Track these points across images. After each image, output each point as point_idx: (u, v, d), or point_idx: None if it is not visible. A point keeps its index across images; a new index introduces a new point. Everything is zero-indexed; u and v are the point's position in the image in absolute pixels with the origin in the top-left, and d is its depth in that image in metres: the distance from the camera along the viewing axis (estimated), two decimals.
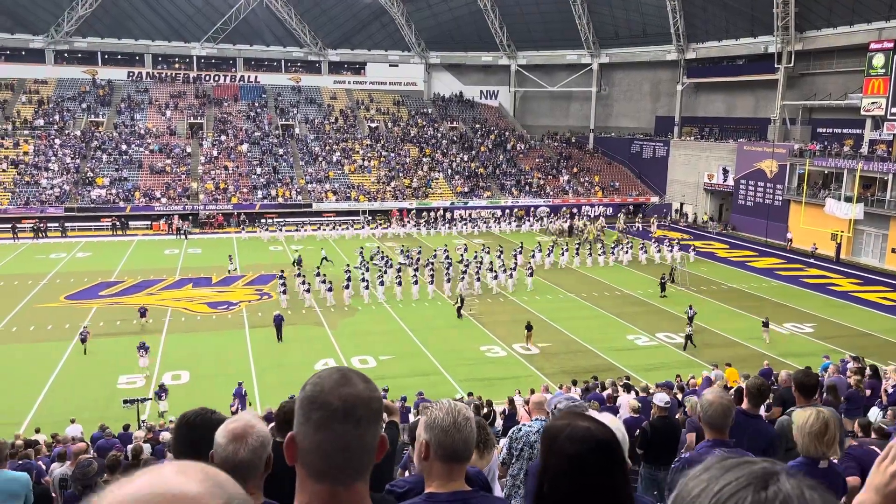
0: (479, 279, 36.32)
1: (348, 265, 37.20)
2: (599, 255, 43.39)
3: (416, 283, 35.36)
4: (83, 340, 26.12)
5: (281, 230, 51.68)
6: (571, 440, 1.75)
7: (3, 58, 66.14)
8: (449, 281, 36.29)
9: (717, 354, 26.73)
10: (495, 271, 37.48)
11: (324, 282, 34.01)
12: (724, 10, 58.97)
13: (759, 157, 54.13)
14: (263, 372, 24.55)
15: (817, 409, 3.86)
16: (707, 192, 60.79)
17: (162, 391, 21.72)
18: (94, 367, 25.13)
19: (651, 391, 15.45)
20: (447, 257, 39.77)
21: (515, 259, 39.94)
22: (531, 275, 37.33)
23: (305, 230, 51.76)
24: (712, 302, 35.40)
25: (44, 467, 11.79)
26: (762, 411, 7.06)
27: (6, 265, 40.28)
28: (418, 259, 40.22)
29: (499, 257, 40.33)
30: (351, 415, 1.60)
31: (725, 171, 58.50)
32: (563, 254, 43.85)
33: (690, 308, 29.42)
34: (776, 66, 55.42)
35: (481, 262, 39.49)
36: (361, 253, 40.94)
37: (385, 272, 36.19)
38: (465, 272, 36.18)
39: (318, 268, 37.08)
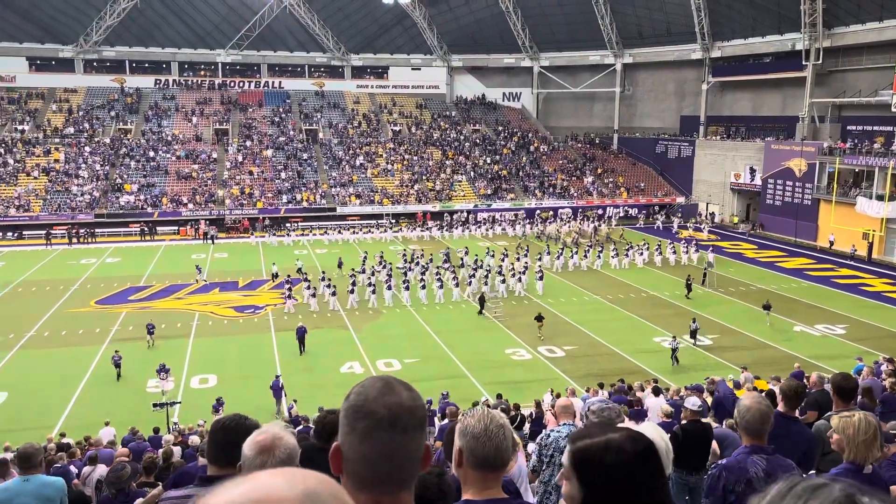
0: (486, 283, 35.91)
1: (353, 270, 37.37)
2: (612, 256, 42.55)
3: (440, 286, 35.29)
4: (117, 366, 25.34)
5: (304, 234, 52.01)
6: (608, 451, 1.69)
7: (34, 67, 67.50)
8: (458, 285, 35.95)
9: (746, 356, 26.36)
10: (503, 275, 36.78)
11: (329, 286, 34.31)
12: (750, 7, 58.23)
13: (788, 156, 53.32)
14: (289, 375, 24.67)
15: (863, 414, 3.76)
16: (734, 192, 60.05)
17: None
18: (123, 370, 25.46)
19: (681, 394, 15.26)
20: (448, 263, 39.62)
21: (520, 261, 39.57)
22: (541, 278, 36.61)
23: (330, 233, 52.06)
24: (740, 303, 34.91)
25: (75, 471, 11.95)
26: (796, 415, 6.92)
27: (39, 271, 41.04)
28: (417, 262, 39.71)
29: (502, 260, 40.08)
30: (396, 424, 1.60)
31: (753, 171, 57.74)
32: (572, 256, 43.12)
33: (694, 322, 28.77)
34: (804, 63, 54.53)
35: (490, 266, 38.92)
36: (382, 257, 40.91)
37: (405, 275, 36.25)
38: (472, 276, 36.34)
39: (324, 273, 37.20)
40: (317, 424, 4.39)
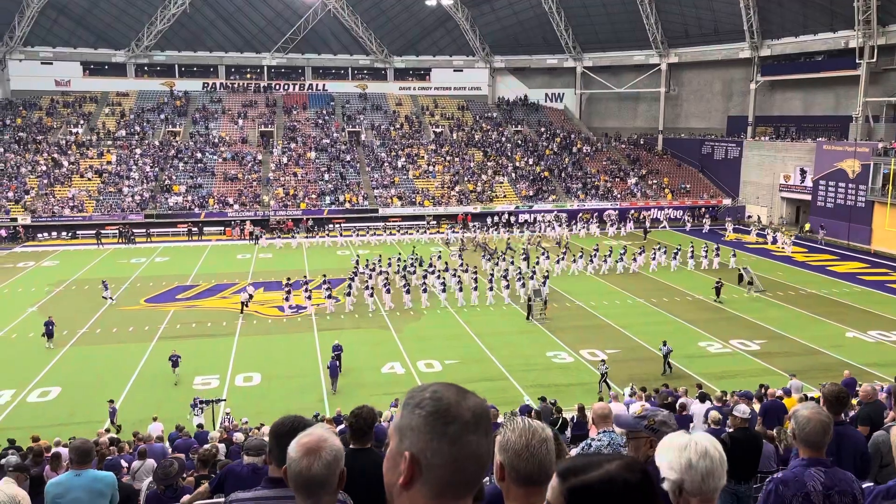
0: (507, 285, 35.38)
1: (354, 272, 37.94)
2: (604, 261, 41.21)
3: (475, 289, 35.02)
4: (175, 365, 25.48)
5: (341, 234, 52.49)
6: (613, 483, 1.60)
7: (87, 72, 69.66)
8: (461, 290, 35.45)
9: (795, 363, 25.67)
10: (508, 280, 36.04)
11: (384, 282, 34.63)
12: (801, 4, 56.74)
13: (840, 157, 51.78)
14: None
15: None
16: (783, 194, 58.56)
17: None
18: (171, 368, 26.03)
19: (727, 401, 14.91)
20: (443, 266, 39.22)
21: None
22: (544, 283, 35.29)
23: (371, 234, 52.45)
24: (790, 308, 34.01)
25: (125, 465, 12.25)
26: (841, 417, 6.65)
27: (91, 269, 42.28)
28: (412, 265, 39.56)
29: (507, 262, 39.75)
30: (480, 425, 1.64)
31: (803, 172, 56.23)
32: (575, 260, 41.74)
33: (665, 345, 25.78)
34: (857, 61, 52.90)
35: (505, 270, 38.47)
36: (419, 258, 40.89)
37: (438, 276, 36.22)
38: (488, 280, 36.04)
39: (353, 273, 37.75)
40: (351, 423, 4.39)
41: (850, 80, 54.78)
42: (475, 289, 34.81)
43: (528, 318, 31.93)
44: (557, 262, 40.99)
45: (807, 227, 53.99)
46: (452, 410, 1.62)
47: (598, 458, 1.70)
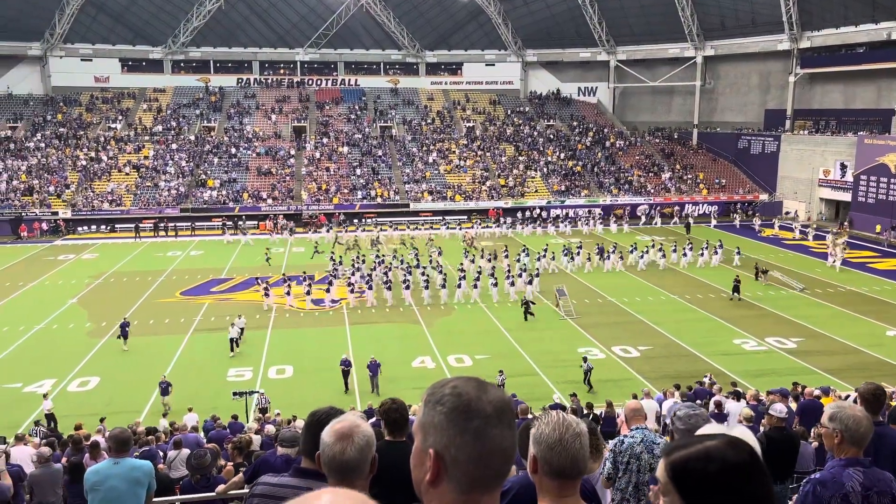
0: (514, 283, 34.75)
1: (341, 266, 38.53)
2: (586, 259, 40.66)
3: (495, 285, 34.85)
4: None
5: (376, 228, 52.75)
6: (711, 460, 1.60)
7: (125, 68, 70.97)
8: (458, 287, 34.82)
9: (834, 361, 25.16)
10: (512, 277, 35.44)
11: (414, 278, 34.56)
12: None
13: (882, 151, 50.46)
14: (363, 367, 25.06)
15: None
16: (822, 190, 57.27)
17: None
18: (205, 359, 26.48)
19: (761, 399, 14.66)
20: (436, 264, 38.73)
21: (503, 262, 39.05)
22: (530, 282, 34.77)
23: (400, 229, 52.64)
24: (828, 305, 33.30)
25: (161, 454, 12.49)
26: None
27: (129, 262, 43.15)
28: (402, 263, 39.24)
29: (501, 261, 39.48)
30: (503, 417, 1.64)
31: (843, 167, 54.92)
32: (574, 258, 41.03)
33: (585, 361, 24.19)
34: None
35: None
36: (430, 255, 40.81)
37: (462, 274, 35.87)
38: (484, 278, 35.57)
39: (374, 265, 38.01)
40: (384, 415, 4.42)
41: (892, 73, 53.34)
42: (475, 286, 34.60)
43: (526, 319, 31.08)
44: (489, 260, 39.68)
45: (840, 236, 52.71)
46: (473, 405, 1.62)
47: (703, 436, 1.72)
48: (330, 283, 34.99)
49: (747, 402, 14.18)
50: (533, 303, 31.94)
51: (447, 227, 53.48)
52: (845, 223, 52.64)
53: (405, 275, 35.63)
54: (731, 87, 70.25)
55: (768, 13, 60.83)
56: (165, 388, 22.15)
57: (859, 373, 23.07)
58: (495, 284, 35.00)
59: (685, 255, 41.56)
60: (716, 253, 41.87)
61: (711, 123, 70.95)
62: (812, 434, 9.91)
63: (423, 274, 36.34)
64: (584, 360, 24.28)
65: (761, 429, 9.43)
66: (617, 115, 75.76)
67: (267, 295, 33.46)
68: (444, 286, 34.35)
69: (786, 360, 26.24)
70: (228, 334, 27.48)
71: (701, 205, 59.80)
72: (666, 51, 70.75)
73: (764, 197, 61.24)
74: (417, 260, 39.82)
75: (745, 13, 63.28)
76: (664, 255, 41.37)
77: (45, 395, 21.67)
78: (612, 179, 62.62)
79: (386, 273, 36.44)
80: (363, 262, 39.33)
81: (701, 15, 65.99)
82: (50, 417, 20.37)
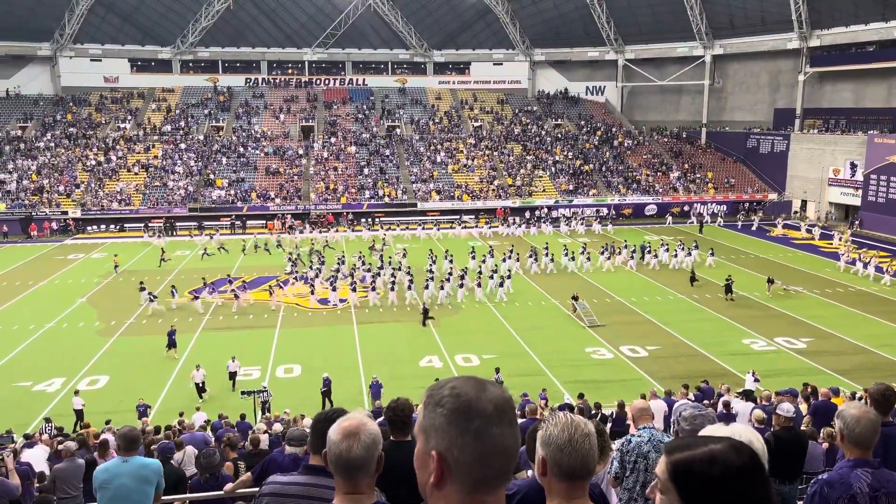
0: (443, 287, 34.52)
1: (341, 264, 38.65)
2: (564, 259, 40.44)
3: (501, 284, 34.79)
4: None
5: (381, 228, 52.77)
6: (714, 463, 1.59)
7: (135, 68, 71.32)
8: (442, 288, 34.63)
9: (844, 362, 25.02)
10: (501, 277, 35.38)
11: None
12: None
13: (893, 150, 50.15)
14: (370, 366, 25.13)
15: None
16: (832, 189, 56.94)
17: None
18: (213, 358, 26.56)
19: (770, 399, 14.59)
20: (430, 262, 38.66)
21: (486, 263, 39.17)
22: (501, 284, 34.84)
23: (407, 229, 52.62)
24: (838, 305, 33.12)
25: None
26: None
27: (138, 262, 43.33)
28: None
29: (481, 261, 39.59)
30: (504, 416, 1.62)
31: (853, 166, 54.60)
32: (572, 258, 40.70)
33: (497, 372, 23.21)
34: None
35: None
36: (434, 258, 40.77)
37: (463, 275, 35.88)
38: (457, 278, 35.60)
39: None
40: (389, 415, 4.44)
41: None
42: (461, 286, 34.68)
43: (424, 324, 30.47)
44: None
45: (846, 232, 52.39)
46: (473, 405, 1.61)
47: (707, 438, 1.71)
48: (334, 283, 35.06)
49: (759, 404, 14.12)
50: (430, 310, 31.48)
51: (463, 227, 53.43)
52: (856, 221, 52.35)
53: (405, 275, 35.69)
54: (740, 86, 69.95)
55: (777, 11, 60.54)
56: (144, 411, 20.65)
57: (869, 373, 22.94)
58: (479, 285, 35.01)
59: (689, 254, 41.40)
60: (689, 254, 41.27)
61: (720, 123, 70.68)
62: (822, 434, 9.86)
63: (392, 276, 36.24)
64: (497, 370, 23.34)
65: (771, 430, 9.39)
66: (625, 114, 75.56)
67: (373, 289, 33.93)
68: (410, 287, 34.17)
69: (795, 360, 26.12)
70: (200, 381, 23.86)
71: (710, 204, 59.55)
72: (674, 50, 70.52)
73: (773, 196, 60.95)
74: (400, 262, 39.75)
75: (754, 11, 62.99)
76: (675, 255, 41.30)
77: (76, 392, 21.71)
78: (621, 179, 62.46)
79: (393, 274, 36.47)
80: (343, 262, 39.84)
81: (710, 13, 65.74)
82: (79, 414, 20.46)
